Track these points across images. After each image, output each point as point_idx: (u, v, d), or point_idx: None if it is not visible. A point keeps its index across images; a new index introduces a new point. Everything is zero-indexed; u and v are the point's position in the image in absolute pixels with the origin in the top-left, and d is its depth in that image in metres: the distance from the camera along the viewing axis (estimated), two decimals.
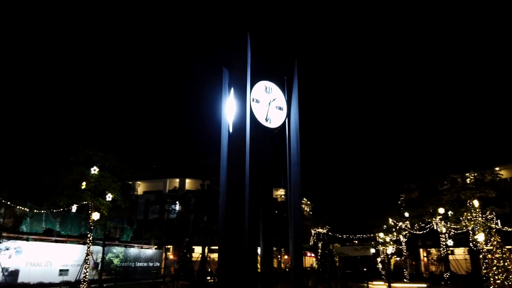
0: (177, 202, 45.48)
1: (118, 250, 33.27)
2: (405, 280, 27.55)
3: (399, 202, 52.97)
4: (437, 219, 23.17)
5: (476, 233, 19.28)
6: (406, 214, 26.76)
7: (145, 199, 50.96)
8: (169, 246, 47.34)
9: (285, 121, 10.10)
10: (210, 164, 34.28)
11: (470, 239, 21.40)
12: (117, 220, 33.89)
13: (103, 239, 24.47)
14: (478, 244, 19.64)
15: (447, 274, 23.25)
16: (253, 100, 9.55)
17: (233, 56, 9.74)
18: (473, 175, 22.53)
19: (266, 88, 9.98)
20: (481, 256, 20.32)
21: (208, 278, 24.51)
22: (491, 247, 16.99)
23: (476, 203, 19.47)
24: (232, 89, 10.45)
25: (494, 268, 16.57)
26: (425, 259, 49.90)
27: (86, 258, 16.40)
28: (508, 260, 16.54)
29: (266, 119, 9.74)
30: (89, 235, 16.92)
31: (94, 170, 16.19)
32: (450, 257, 42.52)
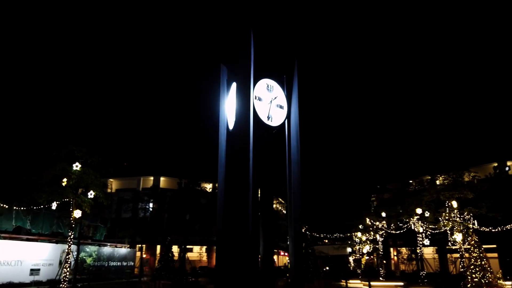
0: (151, 200, 44.77)
1: (91, 249, 32.31)
2: (381, 278, 28.17)
3: (370, 202, 54.34)
4: (415, 219, 23.85)
5: (454, 233, 19.96)
6: (383, 214, 27.36)
7: (118, 197, 49.75)
8: (141, 245, 46.58)
9: (285, 120, 10.07)
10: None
11: (447, 239, 22.09)
12: (91, 218, 32.88)
13: (77, 237, 23.68)
14: (456, 244, 20.34)
15: (423, 273, 23.97)
16: (255, 98, 9.46)
17: (237, 54, 9.64)
18: (452, 176, 23.29)
19: (267, 86, 9.91)
20: (458, 255, 21.05)
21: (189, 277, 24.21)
22: (469, 247, 17.59)
23: (454, 204, 20.16)
24: (232, 86, 10.34)
25: (472, 267, 17.20)
26: (396, 258, 51.30)
27: (67, 257, 15.81)
28: (485, 259, 17.21)
29: (268, 117, 9.67)
30: (70, 234, 16.33)
31: (77, 166, 15.61)
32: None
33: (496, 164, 43.12)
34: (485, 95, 77.95)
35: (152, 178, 53.11)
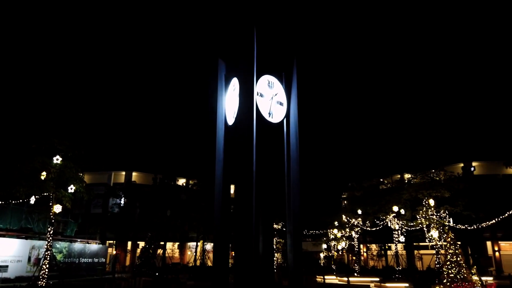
0: (123, 195, 43.84)
1: (62, 245, 31.25)
2: (356, 274, 28.82)
3: (340, 199, 55.45)
4: (391, 217, 24.53)
5: (431, 230, 20.68)
6: (359, 212, 27.97)
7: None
8: (111, 242, 45.52)
9: (285, 117, 10.08)
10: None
11: (418, 236, 22.86)
12: (61, 214, 31.77)
13: (50, 233, 22.83)
14: (432, 240, 21.11)
15: (399, 268, 24.72)
16: (257, 94, 9.42)
17: (239, 49, 9.56)
18: (428, 176, 24.10)
19: (269, 82, 9.90)
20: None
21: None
22: (445, 243, 18.26)
23: (432, 202, 20.89)
24: (232, 82, 10.26)
25: (448, 263, 17.86)
26: (365, 254, 52.60)
27: (46, 254, 15.20)
28: (460, 256, 17.91)
29: (269, 113, 9.66)
30: (49, 229, 15.70)
31: (57, 159, 15.01)
32: (388, 252, 45.23)
33: (462, 165, 45.03)
34: (452, 99, 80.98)
35: (124, 173, 51.92)
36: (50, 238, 15.69)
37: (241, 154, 8.69)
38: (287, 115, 10.11)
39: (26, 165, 14.51)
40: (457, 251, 18.09)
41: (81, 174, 16.30)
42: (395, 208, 23.32)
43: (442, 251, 19.90)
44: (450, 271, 17.68)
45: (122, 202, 44.89)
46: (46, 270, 15.65)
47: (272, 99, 9.81)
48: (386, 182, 41.80)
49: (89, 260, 34.43)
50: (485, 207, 25.98)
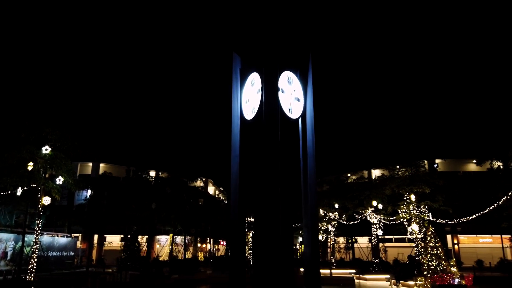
0: (89, 187, 42.41)
1: (29, 238, 29.87)
2: (332, 267, 29.56)
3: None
4: (369, 211, 25.39)
5: (412, 224, 21.65)
6: (336, 206, 28.73)
7: None
8: (77, 235, 44.15)
9: (302, 112, 10.20)
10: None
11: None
12: (29, 205, 30.32)
13: (22, 226, 21.88)
14: (413, 233, 22.10)
15: (376, 260, 25.67)
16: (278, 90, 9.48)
17: (261, 45, 9.58)
18: (412, 170, 25.11)
19: (288, 78, 9.98)
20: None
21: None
22: (427, 237, 19.19)
23: (413, 197, 21.84)
24: (251, 77, 10.22)
25: (429, 255, 18.82)
26: (332, 247, 54.03)
27: (35, 247, 14.56)
28: (440, 248, 18.91)
29: (289, 109, 9.76)
30: (38, 222, 15.02)
31: (46, 149, 14.33)
32: (355, 245, 46.73)
33: (426, 162, 47.18)
34: (420, 100, 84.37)
35: (90, 164, 50.20)
36: (39, 231, 15.05)
37: (267, 150, 8.74)
38: (304, 111, 10.24)
39: (13, 155, 13.75)
40: (437, 244, 19.09)
41: (71, 165, 15.65)
42: (374, 203, 24.19)
43: (413, 244, 20.95)
44: (430, 263, 18.63)
45: (89, 194, 43.52)
46: (35, 264, 15.05)
47: (291, 95, 9.91)
48: (354, 178, 43.10)
49: (58, 253, 33.15)
50: (453, 203, 27.44)
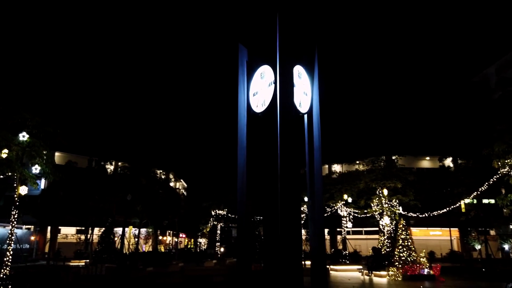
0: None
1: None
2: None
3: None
4: (340, 204, 26.19)
5: (384, 217, 22.61)
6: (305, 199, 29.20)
7: None
8: (29, 226, 41.95)
9: (310, 106, 10.30)
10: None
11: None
12: None
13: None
14: (384, 226, 23.09)
15: (346, 253, 26.52)
16: None
17: (273, 38, 9.50)
18: (374, 164, 26.02)
19: (298, 73, 10.03)
20: (386, 237, 23.77)
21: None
22: (398, 229, 20.14)
23: (385, 191, 22.77)
24: (260, 69, 10.16)
25: (400, 247, 19.78)
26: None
27: (11, 237, 13.70)
28: (410, 240, 19.93)
29: (299, 103, 9.83)
30: (14, 213, 14.06)
31: (24, 136, 13.44)
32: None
33: (384, 158, 49.30)
34: (380, 99, 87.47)
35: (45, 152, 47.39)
36: (15, 223, 14.14)
37: (283, 143, 8.74)
38: (311, 105, 10.34)
39: None
40: (407, 236, 20.08)
41: (50, 154, 14.79)
42: (345, 196, 25.01)
43: (380, 236, 21.99)
44: (401, 254, 19.59)
45: (42, 184, 41.38)
46: (10, 257, 14.20)
47: (300, 89, 9.98)
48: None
49: (13, 246, 31.23)
50: (416, 197, 28.98)
